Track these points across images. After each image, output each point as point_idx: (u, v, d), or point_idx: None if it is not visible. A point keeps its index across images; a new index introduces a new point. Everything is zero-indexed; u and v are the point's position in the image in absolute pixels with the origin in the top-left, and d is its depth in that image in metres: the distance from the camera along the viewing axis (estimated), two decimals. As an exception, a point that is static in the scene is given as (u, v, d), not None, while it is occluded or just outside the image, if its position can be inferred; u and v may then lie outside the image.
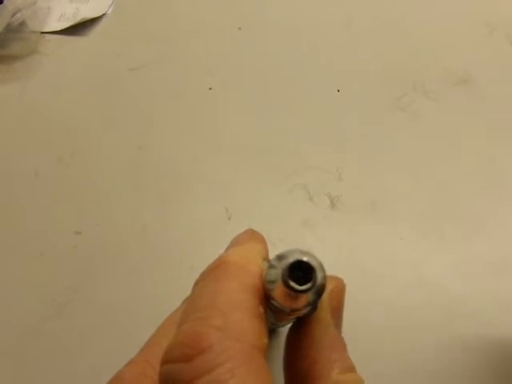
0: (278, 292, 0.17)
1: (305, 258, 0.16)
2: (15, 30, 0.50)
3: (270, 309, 0.18)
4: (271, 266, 0.17)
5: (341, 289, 0.19)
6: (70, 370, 0.30)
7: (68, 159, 0.40)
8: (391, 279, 0.32)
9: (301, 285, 0.16)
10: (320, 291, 0.17)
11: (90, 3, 0.53)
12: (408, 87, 0.41)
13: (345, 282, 0.19)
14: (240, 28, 0.48)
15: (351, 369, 0.17)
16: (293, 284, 0.16)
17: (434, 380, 0.28)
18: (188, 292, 0.34)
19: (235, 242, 0.21)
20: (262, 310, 0.16)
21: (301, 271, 0.16)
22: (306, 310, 0.18)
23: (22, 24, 0.50)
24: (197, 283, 0.18)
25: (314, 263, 0.17)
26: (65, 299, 0.33)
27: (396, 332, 0.30)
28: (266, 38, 0.47)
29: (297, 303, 0.17)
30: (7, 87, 0.47)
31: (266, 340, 0.16)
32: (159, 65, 0.46)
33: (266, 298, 0.17)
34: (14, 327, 0.32)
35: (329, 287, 0.18)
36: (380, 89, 0.41)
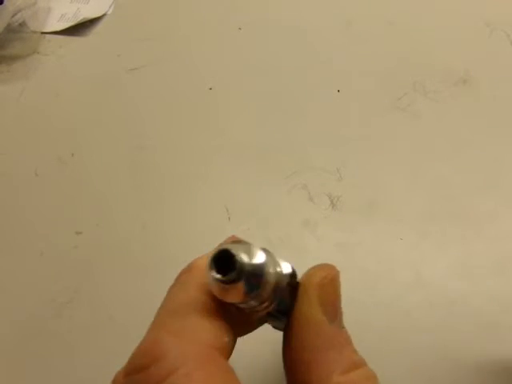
0: (214, 287, 0.16)
1: (227, 247, 0.15)
2: (15, 30, 0.50)
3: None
4: None
5: (331, 279, 0.17)
6: (70, 369, 0.30)
7: (68, 159, 0.40)
8: (391, 279, 0.32)
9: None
10: (253, 280, 0.15)
11: (91, 3, 0.53)
12: (408, 87, 0.41)
13: (337, 269, 0.18)
14: (240, 28, 0.48)
15: (357, 365, 0.16)
16: (214, 274, 0.15)
17: (434, 380, 0.28)
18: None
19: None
20: (219, 312, 0.16)
21: (227, 262, 0.15)
22: (261, 305, 0.16)
23: (23, 24, 0.50)
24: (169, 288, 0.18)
25: (235, 251, 0.15)
26: (65, 299, 0.33)
27: (396, 332, 0.30)
28: (266, 38, 0.47)
29: (231, 295, 0.15)
30: (7, 87, 0.47)
31: (226, 338, 0.16)
32: (159, 65, 0.46)
33: None
34: (14, 327, 0.32)
35: (314, 280, 0.17)
36: (380, 89, 0.41)
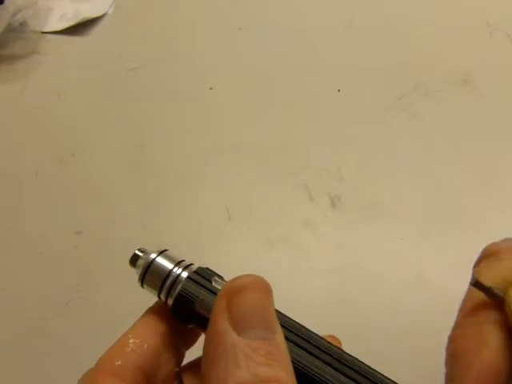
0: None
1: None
2: (16, 30, 0.50)
3: None
4: None
5: (245, 288, 0.16)
6: (70, 369, 0.30)
7: (68, 159, 0.40)
8: (391, 279, 0.31)
9: None
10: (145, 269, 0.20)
11: (91, 3, 0.53)
12: (408, 87, 0.41)
13: (262, 281, 0.16)
14: (240, 28, 0.48)
15: (259, 380, 0.14)
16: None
17: (434, 380, 0.28)
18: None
19: None
20: (132, 340, 0.19)
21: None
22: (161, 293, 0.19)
23: (23, 24, 0.50)
24: None
25: (139, 252, 0.21)
26: (65, 299, 0.33)
27: (396, 331, 0.30)
28: (266, 38, 0.47)
29: None
30: (8, 87, 0.47)
31: (118, 362, 0.19)
32: (160, 64, 0.46)
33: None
34: (14, 327, 0.32)
35: (224, 288, 0.16)
36: (380, 89, 0.41)
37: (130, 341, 0.19)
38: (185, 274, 0.19)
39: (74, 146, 0.41)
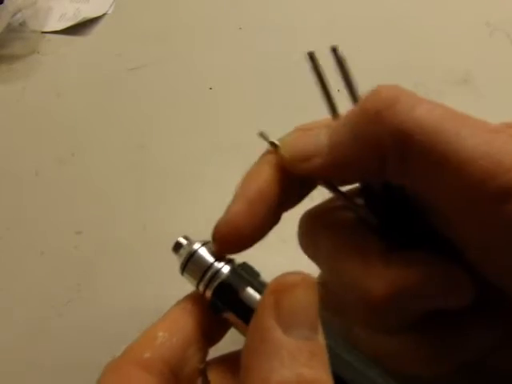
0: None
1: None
2: (16, 29, 0.50)
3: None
4: None
5: (294, 286, 0.16)
6: (70, 369, 0.30)
7: (68, 159, 0.40)
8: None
9: None
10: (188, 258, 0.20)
11: (91, 3, 0.53)
12: (408, 87, 0.41)
13: (310, 280, 0.16)
14: (240, 28, 0.48)
15: (304, 381, 0.14)
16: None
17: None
18: (187, 292, 0.34)
19: None
20: (161, 333, 0.19)
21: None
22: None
23: (23, 24, 0.50)
24: None
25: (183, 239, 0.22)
26: (65, 299, 0.33)
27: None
28: (266, 38, 0.47)
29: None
30: (8, 87, 0.47)
31: (147, 354, 0.18)
32: (160, 64, 0.46)
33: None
34: (14, 327, 0.32)
35: (272, 284, 0.16)
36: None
37: (160, 333, 0.19)
38: (226, 268, 0.20)
39: (74, 146, 0.41)
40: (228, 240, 0.20)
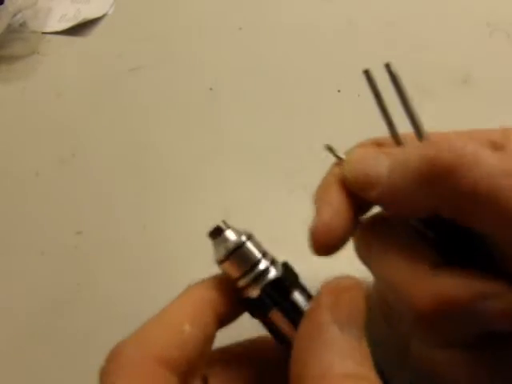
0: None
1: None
2: (16, 30, 0.50)
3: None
4: None
5: (349, 288, 0.18)
6: (70, 368, 0.30)
7: (69, 159, 0.40)
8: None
9: None
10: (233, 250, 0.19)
11: (91, 4, 0.53)
12: (408, 87, 0.41)
13: (362, 285, 0.18)
14: (241, 28, 0.48)
15: (359, 377, 0.15)
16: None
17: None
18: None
19: None
20: (187, 327, 0.18)
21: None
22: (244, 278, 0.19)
23: (23, 24, 0.50)
24: None
25: (223, 224, 0.20)
26: (65, 298, 0.33)
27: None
28: (266, 38, 0.47)
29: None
30: (8, 87, 0.47)
31: (175, 353, 0.17)
32: (160, 65, 0.46)
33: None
34: (14, 326, 0.32)
35: (330, 284, 0.18)
36: (381, 89, 0.41)
37: (186, 327, 0.18)
38: (272, 266, 0.20)
39: (74, 145, 0.41)
40: (325, 242, 0.20)
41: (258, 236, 0.35)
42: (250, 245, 0.20)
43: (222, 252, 0.20)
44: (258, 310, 0.19)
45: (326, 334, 0.16)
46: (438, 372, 0.20)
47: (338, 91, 0.42)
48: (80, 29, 0.50)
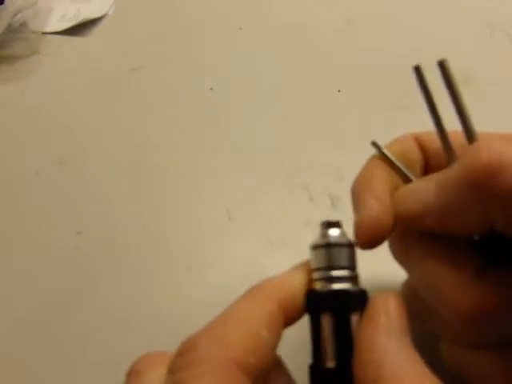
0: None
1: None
2: (16, 30, 0.50)
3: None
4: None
5: (397, 297, 0.18)
6: (70, 369, 0.30)
7: (69, 159, 0.40)
8: (391, 279, 0.31)
9: None
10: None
11: (91, 4, 0.53)
12: (408, 87, 0.41)
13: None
14: (241, 28, 0.48)
15: (426, 375, 0.16)
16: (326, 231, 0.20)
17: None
18: (186, 293, 0.34)
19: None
20: (265, 333, 0.17)
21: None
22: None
23: (23, 24, 0.50)
24: None
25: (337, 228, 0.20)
26: (65, 299, 0.33)
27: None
28: (266, 38, 0.47)
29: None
30: (8, 87, 0.47)
31: (253, 359, 0.16)
32: (160, 65, 0.46)
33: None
34: (14, 327, 0.32)
35: (383, 294, 0.18)
36: (381, 89, 0.41)
37: (263, 333, 0.17)
38: (350, 284, 0.20)
39: (74, 145, 0.41)
40: (372, 236, 0.21)
41: (257, 236, 0.35)
42: (352, 250, 0.20)
43: (327, 240, 0.20)
44: (316, 304, 0.19)
45: (394, 338, 0.17)
46: (466, 371, 0.21)
47: (338, 91, 0.42)
48: (80, 29, 0.50)
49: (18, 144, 0.42)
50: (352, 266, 0.20)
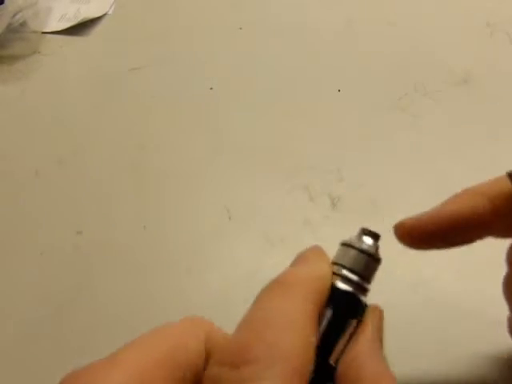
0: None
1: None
2: (16, 30, 0.50)
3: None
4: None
5: (381, 312, 0.20)
6: (70, 369, 0.30)
7: (69, 159, 0.40)
8: (391, 279, 0.31)
9: None
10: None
11: (91, 3, 0.53)
12: (409, 87, 0.41)
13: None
14: (241, 28, 0.48)
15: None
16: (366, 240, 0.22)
17: (435, 380, 0.28)
18: (186, 293, 0.34)
19: (303, 258, 0.21)
20: (313, 339, 0.17)
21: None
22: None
23: (23, 24, 0.50)
24: (261, 292, 0.18)
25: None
26: (65, 299, 0.33)
27: (396, 332, 0.30)
28: (266, 38, 0.47)
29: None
30: (8, 87, 0.47)
31: (310, 367, 0.16)
32: (160, 65, 0.46)
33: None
34: (14, 327, 0.32)
35: (371, 308, 0.20)
36: (381, 89, 0.41)
37: (313, 339, 0.17)
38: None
39: (74, 145, 0.41)
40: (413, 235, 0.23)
41: (257, 236, 0.35)
42: (377, 265, 0.22)
43: (365, 247, 0.21)
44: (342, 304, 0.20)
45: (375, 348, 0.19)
46: None
47: (339, 91, 0.42)
48: (80, 29, 0.50)
49: (17, 144, 0.42)
50: (370, 280, 0.21)
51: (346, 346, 0.19)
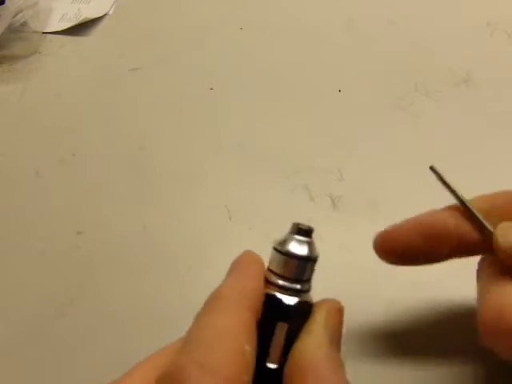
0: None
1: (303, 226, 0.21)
2: (17, 30, 0.50)
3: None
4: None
5: (338, 309, 0.20)
6: (71, 369, 0.30)
7: (69, 159, 0.40)
8: (391, 279, 0.31)
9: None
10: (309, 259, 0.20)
11: (92, 3, 0.53)
12: (409, 87, 0.41)
13: (342, 304, 0.20)
14: (241, 28, 0.48)
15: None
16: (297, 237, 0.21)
17: (436, 380, 0.28)
18: (187, 293, 0.34)
19: (237, 267, 0.21)
20: (248, 347, 0.17)
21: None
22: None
23: (24, 24, 0.50)
24: (200, 309, 0.19)
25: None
26: (66, 299, 0.33)
27: (396, 332, 0.30)
28: (267, 38, 0.47)
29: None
30: (9, 87, 0.47)
31: (246, 377, 0.16)
32: (160, 65, 0.46)
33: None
34: (15, 327, 0.32)
35: (325, 305, 0.19)
36: (381, 88, 0.41)
37: (247, 348, 0.17)
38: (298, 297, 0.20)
39: (74, 145, 0.41)
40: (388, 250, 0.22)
41: (257, 236, 0.35)
42: (307, 263, 0.21)
43: (296, 250, 0.20)
44: (275, 312, 0.20)
45: (325, 352, 0.18)
46: None
47: (339, 91, 0.42)
48: (81, 29, 0.50)
49: (18, 144, 0.42)
50: (303, 280, 0.20)
51: (287, 348, 0.19)
